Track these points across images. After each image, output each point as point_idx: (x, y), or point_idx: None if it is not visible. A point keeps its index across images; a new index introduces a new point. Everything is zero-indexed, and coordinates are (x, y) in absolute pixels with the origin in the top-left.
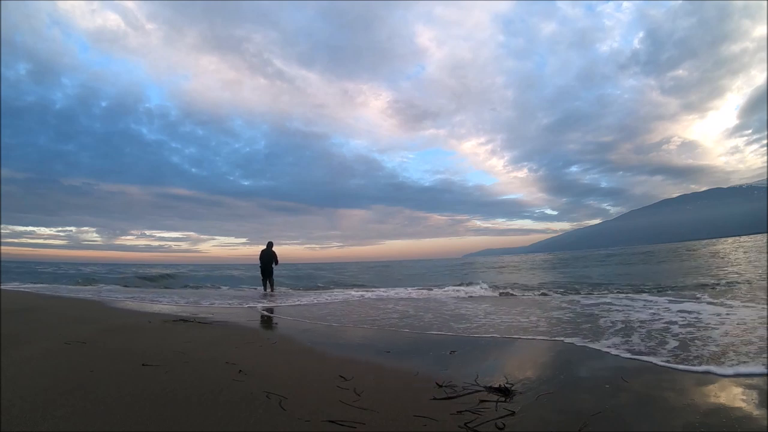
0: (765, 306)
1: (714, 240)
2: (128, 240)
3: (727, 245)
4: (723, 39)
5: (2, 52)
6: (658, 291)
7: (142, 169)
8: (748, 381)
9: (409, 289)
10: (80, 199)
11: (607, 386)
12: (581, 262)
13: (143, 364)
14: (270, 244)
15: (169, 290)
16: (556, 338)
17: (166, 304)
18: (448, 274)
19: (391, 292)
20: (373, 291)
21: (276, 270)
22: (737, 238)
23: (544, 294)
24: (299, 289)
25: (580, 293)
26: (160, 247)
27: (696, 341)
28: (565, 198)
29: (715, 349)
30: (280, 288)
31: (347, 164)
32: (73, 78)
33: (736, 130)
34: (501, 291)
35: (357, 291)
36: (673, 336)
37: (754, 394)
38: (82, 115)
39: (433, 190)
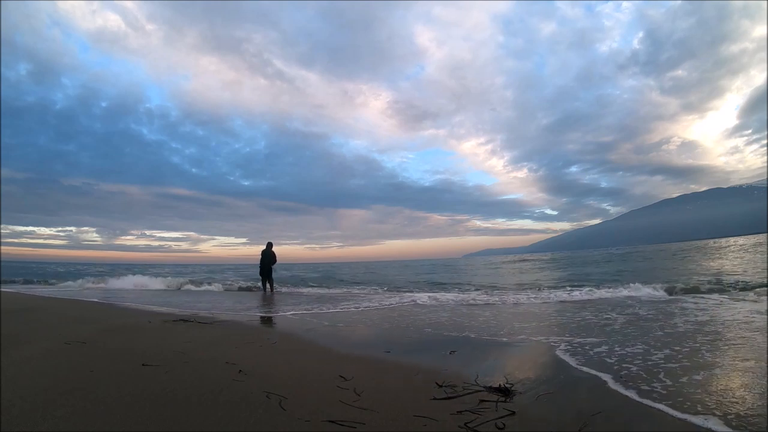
0: None
1: (721, 239)
2: (128, 240)
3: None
4: (722, 39)
5: (2, 53)
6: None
7: (142, 169)
8: None
9: (556, 291)
10: (80, 199)
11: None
12: (601, 259)
13: (143, 364)
14: (269, 245)
15: (173, 291)
16: None
17: (166, 304)
18: (496, 275)
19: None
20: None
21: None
22: (738, 238)
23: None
24: (392, 290)
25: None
26: (160, 247)
27: None
28: (565, 198)
29: None
30: (352, 289)
31: (347, 164)
32: (74, 78)
33: (736, 130)
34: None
35: (452, 294)
36: None
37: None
38: (82, 115)
39: (433, 190)
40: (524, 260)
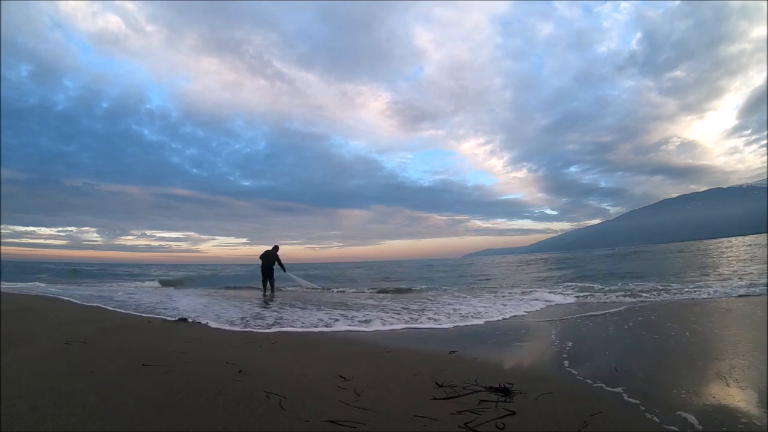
0: None
1: (723, 239)
2: (129, 240)
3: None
4: (721, 40)
5: (4, 54)
6: None
7: (143, 170)
8: None
9: None
10: (81, 199)
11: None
12: (617, 258)
13: (143, 364)
14: (276, 248)
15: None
16: None
17: (167, 304)
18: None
19: None
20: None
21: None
22: (737, 238)
23: None
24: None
25: None
26: (161, 247)
27: None
28: (564, 198)
29: None
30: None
31: (347, 165)
32: (75, 79)
33: (735, 131)
34: None
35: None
36: None
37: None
38: (83, 116)
39: (432, 191)
40: (565, 259)
